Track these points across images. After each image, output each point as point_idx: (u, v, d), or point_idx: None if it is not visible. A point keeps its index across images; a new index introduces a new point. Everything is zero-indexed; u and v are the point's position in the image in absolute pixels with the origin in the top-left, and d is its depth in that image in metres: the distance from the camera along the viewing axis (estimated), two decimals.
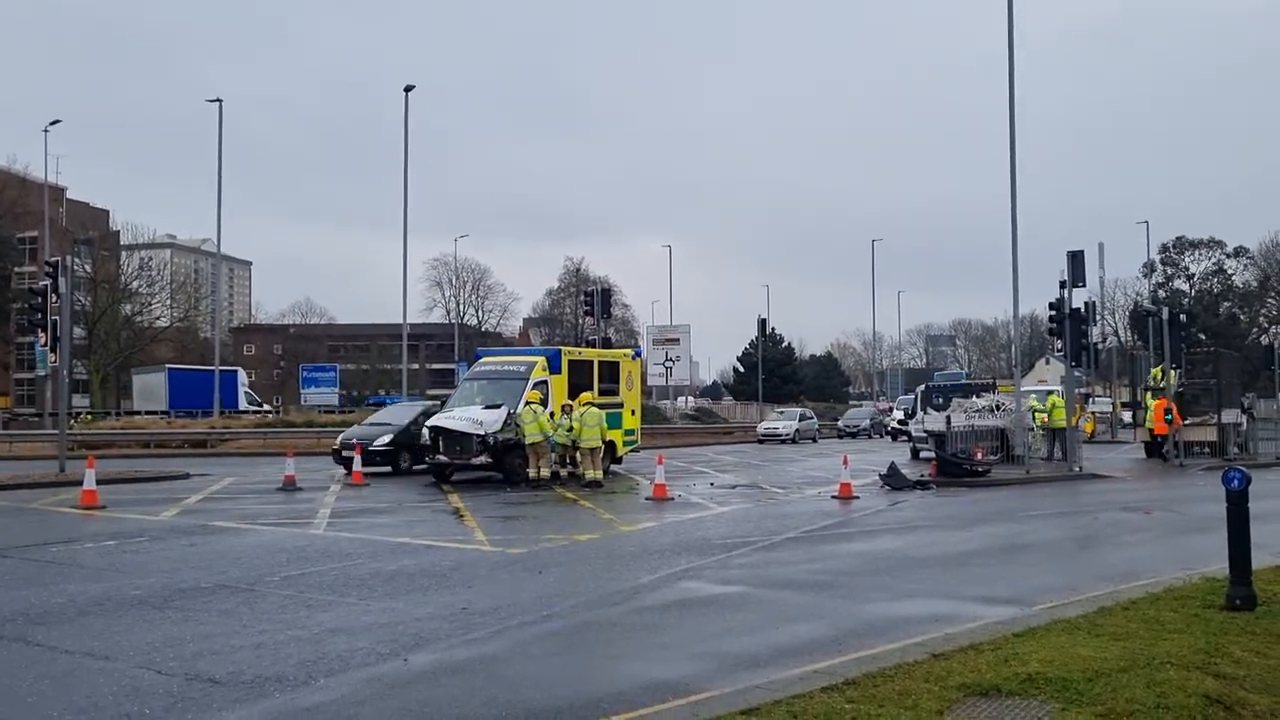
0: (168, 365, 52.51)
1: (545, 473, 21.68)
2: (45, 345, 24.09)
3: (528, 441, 21.56)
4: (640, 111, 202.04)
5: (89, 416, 48.74)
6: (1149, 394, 30.86)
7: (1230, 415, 30.65)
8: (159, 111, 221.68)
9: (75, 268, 40.18)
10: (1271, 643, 7.37)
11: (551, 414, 22.40)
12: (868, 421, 54.72)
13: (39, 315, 23.47)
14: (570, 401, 22.72)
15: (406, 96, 43.07)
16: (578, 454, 22.21)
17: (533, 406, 21.77)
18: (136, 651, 7.44)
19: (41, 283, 23.99)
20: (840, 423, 56.35)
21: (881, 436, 51.60)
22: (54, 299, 23.18)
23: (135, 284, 70.74)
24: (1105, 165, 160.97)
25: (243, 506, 17.74)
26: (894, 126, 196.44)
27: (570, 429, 21.98)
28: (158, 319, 73.68)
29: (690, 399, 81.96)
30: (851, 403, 79.93)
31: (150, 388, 57.25)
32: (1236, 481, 8.41)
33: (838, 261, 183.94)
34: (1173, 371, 29.88)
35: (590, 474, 21.50)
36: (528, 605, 9.17)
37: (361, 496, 19.64)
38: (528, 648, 7.66)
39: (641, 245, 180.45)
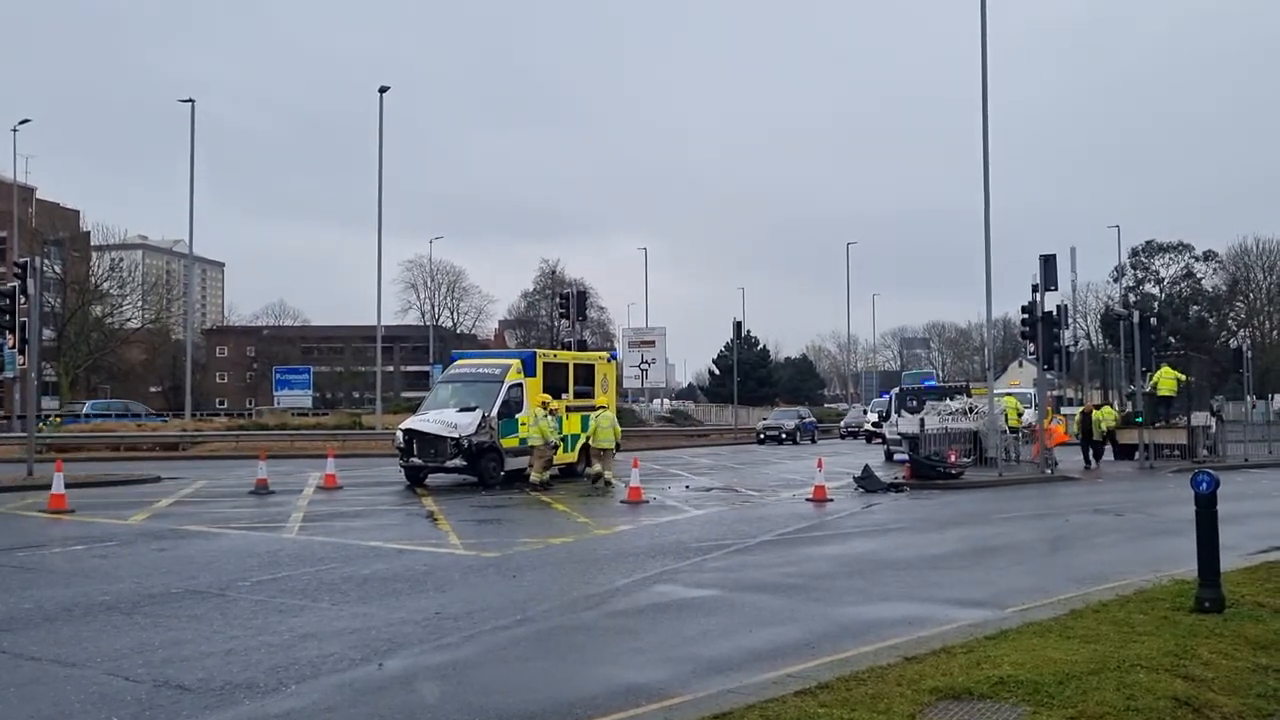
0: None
1: (536, 477, 21.60)
2: (13, 347, 23.75)
3: (529, 445, 21.72)
4: (616, 113, 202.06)
5: (58, 419, 48.13)
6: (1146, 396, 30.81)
7: (1200, 418, 31.00)
8: (131, 108, 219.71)
9: (45, 269, 39.63)
10: (1239, 645, 7.44)
11: (558, 419, 22.56)
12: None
13: (7, 317, 23.12)
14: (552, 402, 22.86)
15: (381, 98, 42.65)
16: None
17: (536, 411, 21.83)
18: (104, 658, 7.36)
19: (10, 284, 23.67)
20: None
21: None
22: (23, 300, 22.86)
23: (106, 285, 70.01)
24: (1078, 169, 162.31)
25: (214, 510, 17.58)
26: (869, 130, 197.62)
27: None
28: (129, 320, 72.94)
29: (666, 401, 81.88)
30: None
31: None
32: (1205, 485, 8.48)
33: (813, 264, 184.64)
34: (1161, 372, 30.16)
35: (591, 471, 22.41)
36: (501, 609, 9.14)
37: (335, 500, 19.51)
38: (501, 652, 7.64)
39: (618, 247, 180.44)
